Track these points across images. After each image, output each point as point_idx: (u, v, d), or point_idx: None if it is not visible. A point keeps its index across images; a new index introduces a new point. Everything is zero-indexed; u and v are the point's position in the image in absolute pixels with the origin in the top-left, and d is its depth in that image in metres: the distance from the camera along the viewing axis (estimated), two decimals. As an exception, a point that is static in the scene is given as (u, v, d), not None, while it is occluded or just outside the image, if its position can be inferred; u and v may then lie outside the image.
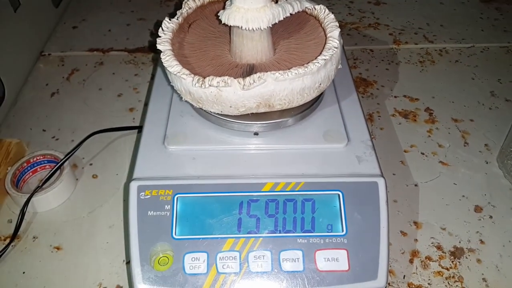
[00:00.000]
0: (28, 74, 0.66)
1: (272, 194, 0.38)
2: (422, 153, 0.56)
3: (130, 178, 0.39)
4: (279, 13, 0.38)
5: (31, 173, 0.51)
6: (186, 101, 0.41)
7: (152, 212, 0.37)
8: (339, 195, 0.38)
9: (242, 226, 0.37)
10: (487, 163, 0.55)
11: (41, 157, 0.51)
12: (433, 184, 0.52)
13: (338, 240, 0.37)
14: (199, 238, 0.36)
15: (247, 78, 0.36)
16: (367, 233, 0.37)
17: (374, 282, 0.35)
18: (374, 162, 0.41)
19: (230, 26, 0.40)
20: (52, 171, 0.47)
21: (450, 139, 0.57)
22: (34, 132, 0.57)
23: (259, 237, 0.37)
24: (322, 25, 0.43)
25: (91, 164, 0.53)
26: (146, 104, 0.61)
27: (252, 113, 0.40)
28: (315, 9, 0.43)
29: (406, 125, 0.59)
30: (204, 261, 0.36)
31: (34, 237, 0.46)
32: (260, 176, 0.39)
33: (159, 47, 0.41)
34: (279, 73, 0.36)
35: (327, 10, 0.43)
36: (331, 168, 0.40)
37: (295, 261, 0.36)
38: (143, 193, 0.37)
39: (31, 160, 0.50)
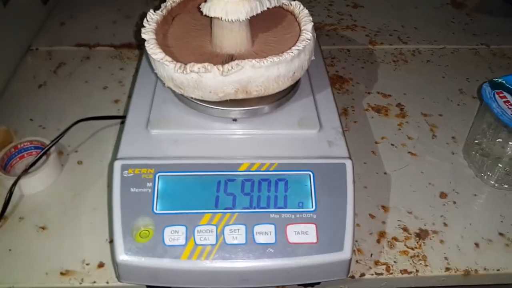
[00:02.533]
0: (16, 67, 0.68)
1: (248, 174, 0.41)
2: (392, 144, 0.59)
3: (114, 157, 0.41)
4: (257, 7, 0.41)
5: (18, 159, 0.53)
6: (168, 87, 0.43)
7: (134, 189, 0.39)
8: (310, 175, 0.41)
9: (220, 203, 0.40)
10: (453, 154, 0.58)
11: (28, 143, 0.53)
12: (402, 173, 0.55)
13: (308, 215, 0.39)
14: (179, 213, 0.39)
15: (226, 65, 0.39)
16: (334, 209, 0.40)
17: (340, 254, 0.38)
18: (343, 146, 0.44)
19: (211, 17, 0.42)
20: (40, 155, 0.50)
21: (419, 132, 0.61)
22: (21, 121, 0.59)
23: (235, 212, 0.39)
24: (297, 19, 0.46)
25: (76, 152, 0.55)
26: (130, 96, 0.63)
27: (231, 100, 0.43)
28: (291, 5, 0.47)
29: (378, 119, 0.63)
30: (182, 234, 0.38)
31: (20, 218, 0.48)
32: (237, 157, 0.42)
33: (143, 36, 0.43)
34: (256, 61, 0.39)
35: (301, 6, 0.46)
36: (304, 151, 0.43)
37: (267, 234, 0.38)
38: (126, 171, 0.40)
39: (19, 146, 0.52)
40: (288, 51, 0.41)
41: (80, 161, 0.54)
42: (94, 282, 0.43)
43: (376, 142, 0.59)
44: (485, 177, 0.55)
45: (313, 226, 0.39)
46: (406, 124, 0.62)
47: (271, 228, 0.39)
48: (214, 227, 0.39)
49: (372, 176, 0.55)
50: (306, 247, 0.38)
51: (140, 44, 0.74)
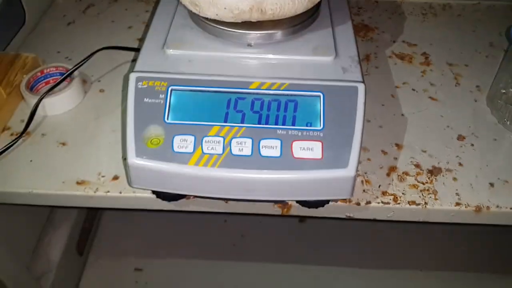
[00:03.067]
0: (48, 7, 0.70)
1: (258, 92, 0.41)
2: (413, 89, 0.58)
3: (130, 72, 0.43)
4: None
5: (44, 84, 0.55)
6: (184, 5, 0.44)
7: (147, 99, 0.41)
8: (320, 96, 0.41)
9: (229, 118, 0.40)
10: (476, 101, 0.57)
11: (54, 69, 0.55)
12: (420, 115, 0.54)
13: (315, 133, 0.40)
14: (188, 124, 0.40)
15: None
16: (342, 128, 0.40)
17: (344, 170, 0.38)
18: (358, 72, 0.44)
19: None
20: (64, 77, 0.52)
21: (442, 79, 0.60)
22: (49, 52, 0.61)
23: (243, 126, 0.40)
24: None
25: (99, 81, 0.57)
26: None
27: (247, 23, 0.43)
28: None
29: (401, 65, 0.62)
30: (191, 142, 0.39)
31: (42, 134, 0.50)
32: (248, 76, 0.42)
33: None
34: (271, -24, 0.39)
35: None
36: (317, 75, 0.43)
37: (273, 148, 0.39)
38: (141, 83, 0.41)
39: (45, 71, 0.54)
40: (305, -32, 0.41)
41: (102, 89, 0.56)
42: (108, 191, 0.45)
43: (396, 87, 0.58)
44: (508, 122, 0.53)
45: (319, 143, 0.39)
46: (430, 72, 0.61)
47: (277, 143, 0.39)
48: (221, 139, 0.39)
49: (388, 116, 0.54)
50: (311, 163, 0.38)
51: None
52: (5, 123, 0.51)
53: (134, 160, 0.39)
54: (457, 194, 0.46)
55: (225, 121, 0.40)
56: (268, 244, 0.85)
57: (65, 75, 0.52)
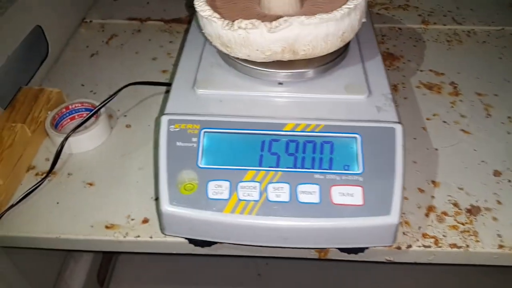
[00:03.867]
0: (70, 37, 0.70)
1: (292, 134, 0.40)
2: (444, 122, 0.56)
3: (161, 114, 0.42)
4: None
5: (69, 120, 0.54)
6: (215, 46, 0.43)
7: (180, 143, 0.40)
8: (357, 138, 0.40)
9: (263, 161, 0.39)
10: (509, 133, 0.55)
11: (79, 105, 0.54)
12: (453, 150, 0.53)
13: (354, 178, 0.38)
14: (222, 168, 0.39)
15: (274, 22, 0.39)
16: (382, 173, 0.38)
17: (387, 218, 0.37)
18: (393, 111, 0.42)
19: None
20: (91, 114, 0.51)
21: (473, 111, 0.58)
22: (73, 86, 0.61)
23: (279, 170, 0.39)
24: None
25: (125, 116, 0.57)
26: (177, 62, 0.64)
27: (278, 62, 0.42)
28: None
29: (430, 96, 0.60)
30: (226, 188, 0.38)
31: (68, 174, 0.49)
32: (282, 117, 0.41)
33: (197, 8, 0.43)
34: (305, 17, 0.39)
35: None
36: (351, 115, 0.42)
37: (311, 194, 0.38)
38: (173, 126, 0.40)
39: (70, 107, 0.54)
40: (338, 9, 0.40)
41: (128, 124, 0.55)
42: (138, 236, 0.43)
43: (427, 119, 0.57)
44: (545, 157, 0.51)
45: (360, 188, 0.38)
46: (460, 103, 0.59)
47: (315, 188, 0.38)
48: (257, 184, 0.38)
49: (421, 151, 0.52)
50: (351, 209, 0.37)
51: (190, 18, 0.75)
52: (30, 162, 0.51)
53: (167, 207, 0.38)
54: (498, 235, 0.44)
55: (260, 164, 0.39)
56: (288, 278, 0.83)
57: (91, 114, 0.51)
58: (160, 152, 0.39)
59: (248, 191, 0.38)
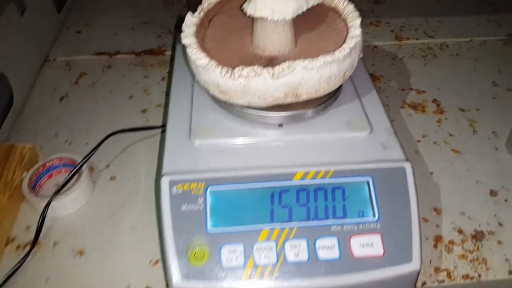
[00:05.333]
0: (35, 80, 0.65)
1: (302, 184, 0.38)
2: (435, 142, 0.57)
3: (159, 174, 0.39)
4: (303, 4, 0.39)
5: (46, 178, 0.50)
6: (212, 94, 0.41)
7: (185, 206, 0.37)
8: (368, 181, 0.39)
9: (275, 216, 0.37)
10: (496, 149, 0.56)
11: (57, 161, 0.50)
12: (448, 172, 0.53)
13: (371, 225, 0.37)
14: (234, 231, 0.36)
15: (276, 67, 0.37)
16: (398, 216, 0.37)
17: (409, 265, 0.36)
18: (398, 148, 0.42)
19: (254, 18, 0.40)
20: (71, 173, 0.47)
21: (459, 128, 0.59)
22: (45, 136, 0.56)
23: (294, 226, 0.37)
24: (342, 15, 0.43)
25: (108, 167, 0.53)
26: (159, 105, 0.61)
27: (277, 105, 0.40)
28: (333, 1, 0.44)
29: (415, 116, 0.60)
30: (241, 253, 0.36)
31: (55, 243, 0.45)
32: (290, 166, 0.39)
33: (184, 41, 0.41)
34: (308, 61, 0.37)
35: (346, 1, 0.43)
36: (358, 155, 0.41)
37: (331, 249, 0.36)
38: (175, 187, 0.37)
39: (47, 164, 0.50)
40: (340, 49, 0.38)
41: (113, 176, 0.52)
42: (144, 307, 0.40)
43: (418, 141, 0.57)
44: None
45: (378, 236, 0.37)
46: (445, 121, 0.60)
47: (333, 241, 0.36)
48: (273, 244, 0.36)
49: (418, 177, 0.51)
50: (373, 261, 0.36)
51: (162, 50, 0.71)
52: (9, 233, 0.45)
53: (180, 284, 0.35)
54: (506, 260, 0.44)
55: (272, 219, 0.37)
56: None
57: (73, 173, 0.47)
58: (164, 219, 0.36)
59: (265, 252, 0.36)
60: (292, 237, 0.36)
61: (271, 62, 0.41)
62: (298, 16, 0.40)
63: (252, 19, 0.41)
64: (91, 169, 0.52)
